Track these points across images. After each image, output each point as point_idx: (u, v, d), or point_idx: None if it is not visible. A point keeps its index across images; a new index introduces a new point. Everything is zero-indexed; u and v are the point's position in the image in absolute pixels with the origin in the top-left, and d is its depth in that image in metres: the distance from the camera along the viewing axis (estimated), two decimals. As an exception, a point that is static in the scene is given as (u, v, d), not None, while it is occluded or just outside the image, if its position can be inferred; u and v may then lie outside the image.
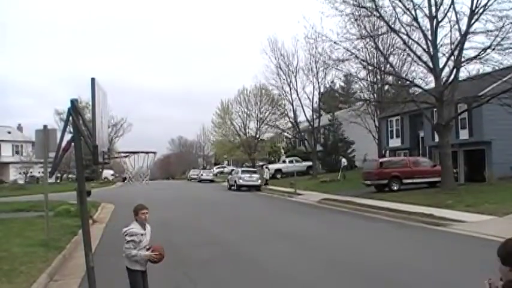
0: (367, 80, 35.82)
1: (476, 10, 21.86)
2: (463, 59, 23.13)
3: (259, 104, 59.32)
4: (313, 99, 47.34)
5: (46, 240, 11.52)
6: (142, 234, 5.81)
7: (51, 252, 10.28)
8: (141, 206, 5.97)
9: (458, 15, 22.78)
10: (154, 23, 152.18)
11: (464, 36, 22.45)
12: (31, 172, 59.02)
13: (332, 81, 50.72)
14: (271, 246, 11.89)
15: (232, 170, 50.14)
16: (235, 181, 39.11)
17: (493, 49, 21.61)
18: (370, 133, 40.83)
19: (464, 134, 28.90)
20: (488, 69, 23.91)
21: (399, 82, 30.93)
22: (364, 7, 24.46)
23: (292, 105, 48.91)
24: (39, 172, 57.41)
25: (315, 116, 47.60)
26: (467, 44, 23.02)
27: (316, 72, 44.79)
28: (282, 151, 60.75)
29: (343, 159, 39.20)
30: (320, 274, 8.72)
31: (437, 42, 23.80)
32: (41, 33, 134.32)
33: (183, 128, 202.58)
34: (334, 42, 25.27)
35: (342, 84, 58.57)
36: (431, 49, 23.71)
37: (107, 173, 71.34)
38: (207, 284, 7.84)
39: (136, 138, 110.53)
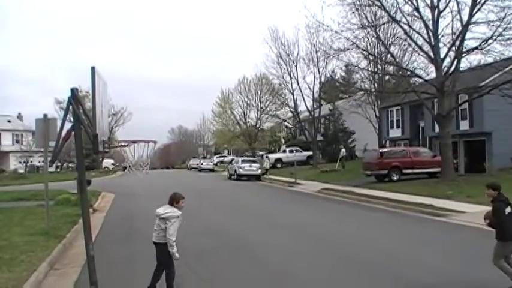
0: (367, 69, 35.69)
1: (478, 0, 21.73)
2: (464, 50, 23.05)
3: (259, 93, 59.21)
4: (313, 88, 47.37)
5: (46, 229, 11.54)
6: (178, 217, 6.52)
7: (52, 241, 10.30)
8: (181, 195, 6.67)
9: (459, 5, 22.72)
10: (154, 12, 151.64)
11: (465, 27, 22.33)
12: (31, 161, 59.11)
13: (333, 71, 50.62)
14: (271, 235, 11.92)
15: (233, 160, 50.20)
16: (235, 170, 39.13)
17: (495, 39, 21.52)
18: (370, 123, 40.81)
19: (464, 125, 28.89)
20: (490, 59, 23.89)
21: (400, 72, 30.80)
22: (366, -4, 24.35)
23: (293, 94, 48.93)
24: (39, 161, 57.54)
25: (315, 106, 47.55)
26: (468, 35, 22.97)
27: (317, 62, 44.80)
28: (282, 141, 60.81)
29: (342, 149, 39.17)
30: (319, 263, 8.74)
31: (439, 32, 23.72)
32: (41, 22, 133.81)
33: (183, 118, 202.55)
34: (335, 32, 25.22)
35: (343, 74, 58.48)
36: (432, 39, 23.61)
37: (107, 162, 71.40)
38: (207, 273, 7.86)
39: (136, 128, 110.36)
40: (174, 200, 6.61)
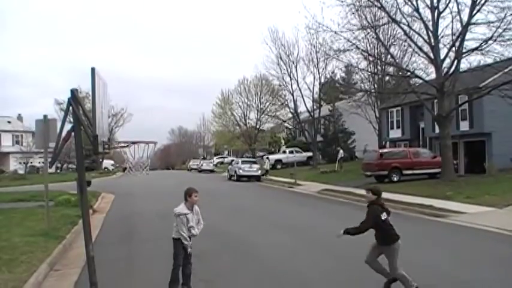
0: (367, 70, 35.79)
1: (478, 1, 21.73)
2: (464, 50, 23.04)
3: (259, 94, 59.19)
4: (313, 89, 47.40)
5: (46, 230, 11.54)
6: (187, 214, 6.72)
7: (52, 242, 10.29)
8: (193, 190, 6.85)
9: (459, 6, 22.74)
10: (154, 13, 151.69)
11: (465, 27, 22.33)
12: (31, 162, 59.08)
13: (333, 72, 50.65)
14: (271, 236, 11.91)
15: (233, 161, 50.18)
16: (235, 171, 39.15)
17: (495, 40, 21.52)
18: (370, 124, 40.81)
19: (464, 126, 28.89)
20: (490, 60, 23.88)
21: (400, 73, 30.81)
22: (365, -3, 24.37)
23: (293, 95, 48.94)
24: (39, 162, 57.51)
25: (315, 107, 47.55)
26: (468, 35, 22.97)
27: (317, 63, 44.82)
28: (282, 141, 60.76)
29: (340, 151, 39.14)
30: (319, 263, 8.74)
31: (439, 33, 23.72)
32: (41, 23, 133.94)
33: (183, 118, 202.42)
34: (335, 33, 25.18)
35: (343, 74, 58.51)
36: (432, 40, 23.62)
37: (107, 163, 71.37)
38: (207, 274, 7.86)
39: (136, 129, 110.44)
40: (187, 194, 6.83)
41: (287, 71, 47.76)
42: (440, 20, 23.62)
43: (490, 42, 21.69)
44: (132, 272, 8.43)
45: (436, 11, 23.35)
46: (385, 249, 6.62)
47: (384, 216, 6.57)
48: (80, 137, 6.03)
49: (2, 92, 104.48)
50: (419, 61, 32.21)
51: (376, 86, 38.95)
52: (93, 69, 5.67)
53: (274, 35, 47.99)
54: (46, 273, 8.18)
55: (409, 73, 29.39)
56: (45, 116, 12.70)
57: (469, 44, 23.21)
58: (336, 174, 34.69)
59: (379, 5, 24.55)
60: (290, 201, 21.99)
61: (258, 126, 60.94)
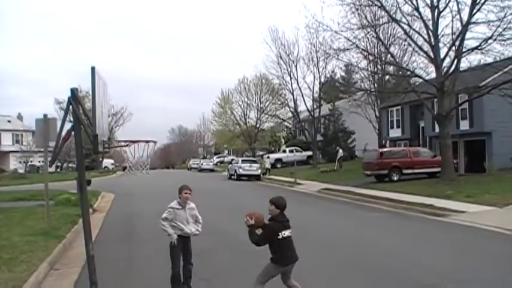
0: (367, 70, 35.75)
1: (478, 0, 21.72)
2: (464, 50, 23.03)
3: (259, 93, 59.19)
4: (313, 88, 47.37)
5: (46, 229, 11.54)
6: (176, 209, 6.78)
7: (52, 241, 10.29)
8: (185, 187, 6.88)
9: (459, 5, 22.72)
10: (154, 13, 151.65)
11: (465, 27, 22.32)
12: (31, 161, 59.11)
13: (333, 71, 50.62)
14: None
15: (232, 160, 50.19)
16: (235, 170, 39.15)
17: (495, 39, 21.50)
18: (370, 123, 40.79)
19: (464, 125, 28.89)
20: (490, 59, 23.86)
21: (400, 72, 30.81)
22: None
23: (293, 94, 48.95)
24: (39, 161, 57.56)
25: (315, 106, 47.54)
26: (468, 34, 22.96)
27: (317, 62, 44.78)
28: (282, 141, 60.75)
29: (340, 150, 39.09)
30: (319, 263, 8.73)
31: (439, 32, 23.72)
32: (41, 22, 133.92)
33: (183, 117, 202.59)
34: (335, 32, 25.21)
35: (343, 74, 58.47)
36: (432, 39, 23.61)
37: (107, 162, 71.48)
38: (206, 273, 7.85)
39: (136, 128, 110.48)
40: (179, 191, 6.89)
41: (287, 70, 47.81)
42: (440, 19, 23.65)
43: (490, 41, 21.69)
44: (132, 272, 8.43)
45: (436, 10, 23.34)
46: (279, 269, 6.11)
47: (283, 234, 6.02)
48: (80, 136, 6.03)
49: (2, 91, 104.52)
50: (419, 60, 32.21)
51: (376, 85, 38.92)
52: (93, 69, 5.66)
53: (274, 35, 48.03)
54: (46, 273, 8.17)
55: (409, 72, 29.37)
56: (45, 115, 12.71)
57: (469, 43, 23.26)
58: (335, 173, 34.67)
59: (379, 4, 24.54)
60: (290, 201, 21.72)
61: (258, 126, 60.96)
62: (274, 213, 6.10)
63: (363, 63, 33.37)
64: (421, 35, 25.03)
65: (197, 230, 7.03)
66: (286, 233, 6.03)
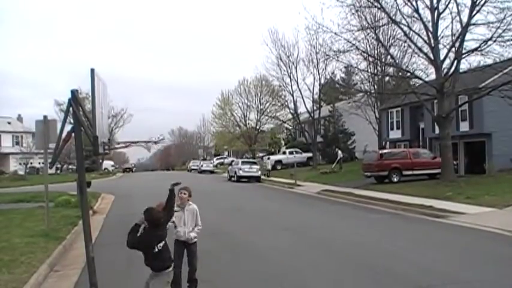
0: (367, 71, 35.77)
1: (478, 1, 21.73)
2: (464, 51, 23.03)
3: (259, 95, 59.19)
4: (313, 90, 47.44)
5: (46, 231, 11.54)
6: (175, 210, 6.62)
7: (52, 243, 10.30)
8: (182, 188, 6.97)
9: (459, 7, 22.71)
10: (154, 14, 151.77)
11: (465, 28, 22.33)
12: (31, 163, 59.02)
13: (333, 73, 50.65)
14: (271, 237, 11.92)
15: (233, 161, 50.20)
16: (235, 172, 39.15)
17: (494, 41, 21.51)
18: (370, 124, 40.80)
19: (464, 126, 28.88)
20: (489, 61, 23.86)
21: (400, 73, 30.83)
22: (365, -2, 24.38)
23: (293, 96, 48.99)
24: (39, 163, 57.49)
25: (315, 107, 47.58)
26: (468, 36, 22.96)
27: (317, 63, 44.84)
28: (282, 142, 60.73)
29: (339, 152, 39.07)
30: (319, 264, 8.73)
31: (438, 33, 23.71)
32: (40, 24, 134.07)
33: (183, 119, 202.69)
34: (335, 33, 25.20)
35: (343, 75, 58.51)
36: (432, 41, 23.61)
37: (107, 164, 71.38)
38: (207, 275, 7.85)
39: (136, 129, 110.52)
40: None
41: (287, 71, 47.88)
42: (440, 21, 23.65)
43: (490, 42, 21.70)
44: (132, 273, 8.42)
45: (436, 11, 23.36)
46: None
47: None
48: (80, 138, 6.03)
49: (2, 92, 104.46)
50: (419, 62, 32.20)
51: (376, 86, 38.95)
52: (92, 70, 5.67)
53: (274, 36, 48.11)
54: (46, 274, 8.18)
55: (409, 74, 29.39)
56: (45, 117, 12.70)
57: (468, 45, 23.24)
58: (335, 174, 34.68)
59: (378, 6, 24.57)
60: (290, 202, 21.99)
61: (258, 127, 60.95)
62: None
63: (363, 65, 33.42)
64: (420, 37, 25.05)
65: (195, 237, 6.88)
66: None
